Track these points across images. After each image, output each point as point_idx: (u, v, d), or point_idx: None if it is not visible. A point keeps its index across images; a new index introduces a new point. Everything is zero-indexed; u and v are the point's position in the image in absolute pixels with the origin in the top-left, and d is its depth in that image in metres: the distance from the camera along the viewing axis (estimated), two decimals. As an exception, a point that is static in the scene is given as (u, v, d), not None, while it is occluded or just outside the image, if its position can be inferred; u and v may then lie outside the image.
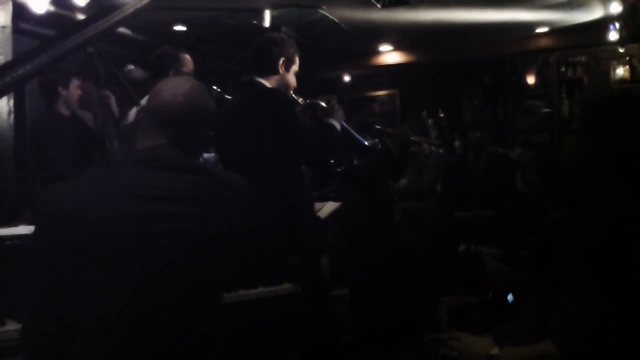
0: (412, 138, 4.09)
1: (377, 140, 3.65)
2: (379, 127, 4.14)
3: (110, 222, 1.26)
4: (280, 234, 2.20)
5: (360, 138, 2.97)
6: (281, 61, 2.55)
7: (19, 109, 3.40)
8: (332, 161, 2.89)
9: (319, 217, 3.46)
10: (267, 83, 2.54)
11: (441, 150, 4.95)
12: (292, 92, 2.66)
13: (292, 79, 2.61)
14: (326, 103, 2.71)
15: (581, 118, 1.59)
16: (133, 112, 2.94)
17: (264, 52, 2.56)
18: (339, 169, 4.06)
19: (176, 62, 2.99)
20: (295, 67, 2.62)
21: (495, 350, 1.42)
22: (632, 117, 1.44)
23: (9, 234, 1.82)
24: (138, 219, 1.28)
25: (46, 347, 1.30)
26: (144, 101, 3.09)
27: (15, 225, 1.92)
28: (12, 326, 1.65)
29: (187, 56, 3.02)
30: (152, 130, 1.43)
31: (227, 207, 1.41)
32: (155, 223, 1.29)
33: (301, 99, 2.71)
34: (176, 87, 1.47)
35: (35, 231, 1.33)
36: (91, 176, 1.51)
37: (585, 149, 1.48)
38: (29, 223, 2.00)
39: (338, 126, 2.63)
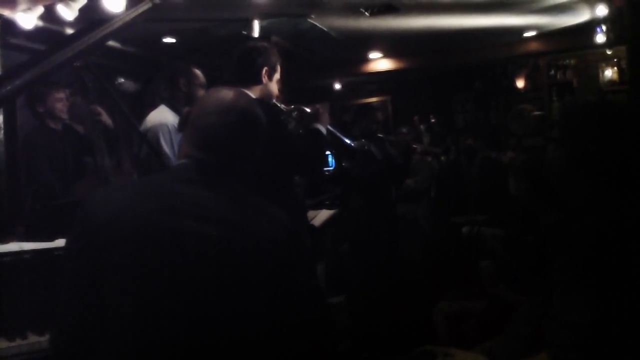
0: (414, 146, 4.13)
1: (363, 140, 3.65)
2: (381, 135, 4.18)
3: (140, 234, 1.24)
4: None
5: (346, 140, 2.96)
6: (264, 70, 2.52)
7: (9, 124, 3.39)
8: (322, 167, 2.89)
9: (313, 226, 3.45)
10: (251, 93, 2.52)
11: (443, 158, 4.99)
12: (275, 100, 2.65)
13: (275, 87, 2.59)
14: (310, 108, 2.69)
15: (560, 126, 1.60)
16: (154, 117, 3.01)
17: (247, 61, 2.53)
18: (326, 172, 4.08)
19: (186, 72, 3.18)
20: (277, 76, 2.60)
21: None
22: (610, 123, 1.45)
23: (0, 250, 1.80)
24: (165, 234, 1.25)
25: (77, 352, 1.28)
26: (151, 113, 3.15)
27: (6, 242, 1.90)
28: (3, 344, 1.63)
29: (198, 71, 3.19)
30: (191, 142, 1.38)
31: (257, 235, 1.32)
32: (180, 240, 1.26)
33: (283, 106, 2.70)
34: (223, 101, 1.38)
35: (72, 236, 1.31)
36: (129, 186, 1.48)
37: (565, 157, 1.48)
38: (20, 239, 1.98)
39: (324, 130, 2.60)
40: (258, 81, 2.52)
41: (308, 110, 2.68)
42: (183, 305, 1.25)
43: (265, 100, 2.54)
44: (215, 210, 1.31)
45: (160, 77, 3.29)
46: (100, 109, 3.10)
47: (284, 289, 1.41)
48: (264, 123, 1.44)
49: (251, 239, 1.32)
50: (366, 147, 3.80)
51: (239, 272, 1.30)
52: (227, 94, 1.41)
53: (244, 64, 2.53)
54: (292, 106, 2.74)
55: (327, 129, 2.66)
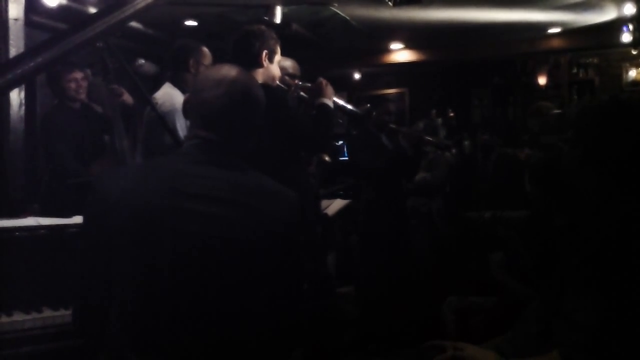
0: (427, 138, 4.09)
1: (368, 105, 3.63)
2: (393, 127, 4.15)
3: (147, 215, 1.26)
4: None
5: (352, 108, 2.93)
6: (264, 54, 2.50)
7: (29, 102, 3.43)
8: (331, 142, 2.87)
9: (326, 215, 3.46)
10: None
11: (454, 151, 4.94)
12: (278, 82, 2.63)
13: (276, 69, 2.57)
14: (312, 83, 2.65)
15: (573, 126, 1.58)
16: (165, 100, 2.99)
17: (246, 46, 2.50)
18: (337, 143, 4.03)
19: (196, 52, 3.10)
20: (277, 57, 2.57)
21: None
22: (622, 123, 1.43)
23: (16, 225, 1.83)
24: (173, 215, 1.27)
25: (94, 325, 1.33)
26: (161, 94, 3.14)
27: (24, 217, 1.93)
28: (19, 317, 1.66)
29: (206, 49, 3.10)
30: (197, 123, 1.38)
31: (266, 216, 1.33)
32: (188, 221, 1.27)
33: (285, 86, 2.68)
34: (219, 77, 1.38)
35: (84, 218, 1.35)
36: (138, 167, 1.50)
37: (578, 157, 1.47)
38: (36, 215, 2.01)
39: (330, 104, 2.57)
40: (258, 65, 2.50)
41: (309, 85, 2.66)
42: (191, 285, 1.26)
43: (267, 83, 2.53)
44: (221, 190, 1.31)
45: (169, 55, 3.22)
46: (122, 89, 3.12)
47: (292, 268, 1.41)
48: (261, 96, 1.43)
49: (257, 218, 1.32)
50: (374, 113, 3.70)
51: (246, 252, 1.30)
52: (224, 70, 1.41)
53: (242, 49, 2.51)
54: (296, 82, 2.72)
55: (334, 102, 2.63)
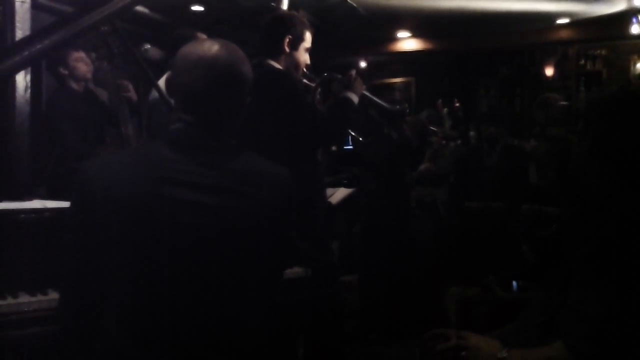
0: (431, 128, 4.06)
1: (406, 105, 3.53)
2: None
3: (135, 205, 1.23)
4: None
5: (385, 104, 2.82)
6: (287, 40, 2.45)
7: (35, 86, 3.42)
8: (350, 134, 2.82)
9: (330, 203, 3.45)
10: (275, 64, 2.46)
11: (459, 142, 4.92)
12: (304, 70, 2.57)
13: (302, 57, 2.50)
14: (343, 75, 2.58)
15: (582, 118, 1.58)
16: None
17: (269, 32, 2.48)
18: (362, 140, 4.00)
19: (192, 39, 3.04)
20: (305, 45, 2.51)
21: (503, 353, 1.41)
22: (631, 115, 1.43)
23: (23, 207, 1.83)
24: (161, 204, 1.23)
25: (81, 318, 1.30)
26: (161, 81, 3.13)
27: (30, 199, 1.94)
28: (25, 298, 1.67)
29: (204, 37, 3.06)
30: (179, 105, 1.32)
31: (258, 200, 1.30)
32: (177, 210, 1.23)
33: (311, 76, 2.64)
34: (197, 55, 1.29)
35: (70, 207, 1.31)
36: (124, 155, 1.44)
37: (586, 149, 1.46)
38: (42, 198, 2.02)
39: (355, 98, 2.49)
40: (281, 51, 2.46)
41: (339, 76, 2.61)
42: (184, 275, 1.24)
43: (288, 70, 2.49)
44: (209, 177, 1.27)
45: (170, 44, 3.21)
46: (130, 86, 3.12)
47: (285, 250, 1.41)
48: (246, 72, 1.34)
49: (249, 203, 1.29)
50: (407, 110, 3.61)
51: (239, 238, 1.28)
52: (204, 47, 1.31)
53: (267, 34, 2.49)
54: (325, 74, 2.67)
55: (363, 95, 2.55)
